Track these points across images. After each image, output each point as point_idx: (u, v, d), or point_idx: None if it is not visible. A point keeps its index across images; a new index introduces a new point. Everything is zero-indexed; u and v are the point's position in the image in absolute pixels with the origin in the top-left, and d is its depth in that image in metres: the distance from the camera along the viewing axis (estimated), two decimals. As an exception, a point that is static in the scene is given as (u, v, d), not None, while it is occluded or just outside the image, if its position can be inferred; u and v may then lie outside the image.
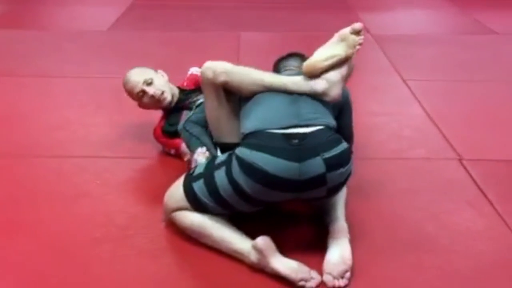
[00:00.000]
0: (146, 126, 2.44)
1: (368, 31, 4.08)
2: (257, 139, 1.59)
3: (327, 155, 1.54)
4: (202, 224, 1.63)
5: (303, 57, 1.89)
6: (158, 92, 2.13)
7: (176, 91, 2.24)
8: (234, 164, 1.56)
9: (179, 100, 2.22)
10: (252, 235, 1.59)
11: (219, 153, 1.82)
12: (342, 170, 1.57)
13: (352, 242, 1.64)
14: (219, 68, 1.72)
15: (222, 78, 1.72)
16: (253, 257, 1.54)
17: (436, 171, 2.17)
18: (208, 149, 1.82)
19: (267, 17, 4.46)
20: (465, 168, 2.17)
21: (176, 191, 1.69)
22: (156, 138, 2.23)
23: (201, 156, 1.80)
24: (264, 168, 1.51)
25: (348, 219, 1.73)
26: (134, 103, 2.27)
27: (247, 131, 1.65)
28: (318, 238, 1.66)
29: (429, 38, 3.96)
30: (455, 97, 2.90)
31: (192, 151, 1.86)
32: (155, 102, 2.16)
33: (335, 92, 1.72)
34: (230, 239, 1.60)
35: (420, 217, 1.85)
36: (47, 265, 1.59)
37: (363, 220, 1.81)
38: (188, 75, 2.37)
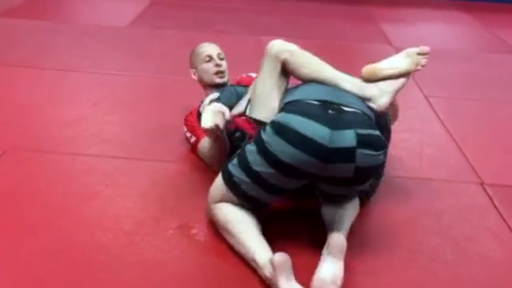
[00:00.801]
0: (160, 128, 2.40)
1: (390, 43, 4.02)
2: (294, 106, 1.63)
3: (361, 131, 1.55)
4: (233, 221, 1.63)
5: None
6: (224, 68, 2.24)
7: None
8: (267, 130, 1.58)
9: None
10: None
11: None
12: (372, 152, 1.56)
13: (355, 262, 1.59)
14: (288, 46, 1.79)
15: (285, 56, 1.75)
16: (267, 271, 1.49)
17: (456, 194, 2.09)
18: (219, 97, 1.92)
19: (289, 23, 4.40)
20: (486, 193, 2.09)
21: (218, 179, 1.70)
22: (187, 120, 2.19)
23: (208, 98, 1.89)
24: (297, 128, 1.53)
25: (355, 236, 1.68)
26: (151, 105, 2.22)
27: (286, 101, 1.68)
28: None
29: (452, 54, 3.88)
30: (478, 117, 2.82)
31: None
32: (215, 77, 2.22)
33: (383, 101, 1.73)
34: (252, 245, 1.56)
35: (440, 242, 1.78)
36: (49, 267, 1.54)
37: (373, 240, 1.75)
38: (243, 76, 2.33)
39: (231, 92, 2.02)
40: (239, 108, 1.93)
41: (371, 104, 1.73)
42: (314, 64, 1.79)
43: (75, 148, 2.22)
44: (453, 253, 1.73)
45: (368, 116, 1.66)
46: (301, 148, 1.53)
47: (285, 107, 1.66)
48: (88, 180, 1.99)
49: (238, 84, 2.26)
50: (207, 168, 2.05)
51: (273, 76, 1.77)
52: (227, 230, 1.64)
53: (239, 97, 1.97)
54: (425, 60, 1.76)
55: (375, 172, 1.65)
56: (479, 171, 2.24)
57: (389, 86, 1.75)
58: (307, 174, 1.59)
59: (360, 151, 1.54)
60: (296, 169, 1.56)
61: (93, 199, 1.87)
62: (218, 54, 2.26)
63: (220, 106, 1.83)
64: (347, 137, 1.53)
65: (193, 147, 2.13)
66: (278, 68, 1.77)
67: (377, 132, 1.61)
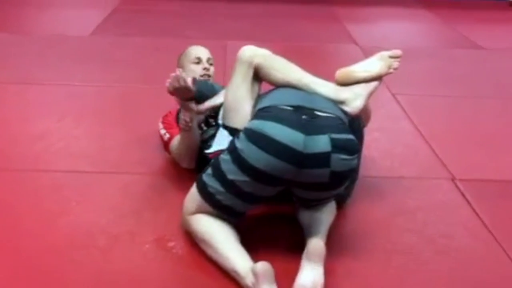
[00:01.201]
0: (129, 139, 2.35)
1: (355, 42, 4.06)
2: (266, 112, 1.62)
3: (335, 136, 1.54)
4: (210, 232, 1.60)
5: None
6: (210, 73, 2.22)
7: None
8: (241, 137, 1.57)
9: None
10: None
11: (223, 134, 1.79)
12: (347, 156, 1.56)
13: (335, 265, 1.59)
14: (259, 51, 1.79)
15: (258, 61, 1.76)
16: (248, 280, 1.47)
17: (429, 191, 2.12)
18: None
19: (254, 26, 4.40)
20: (458, 188, 2.12)
21: (193, 189, 1.67)
22: (165, 117, 2.16)
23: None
24: (270, 134, 1.52)
25: (335, 239, 1.68)
26: (118, 116, 2.17)
27: (259, 108, 1.67)
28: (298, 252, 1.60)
29: (417, 51, 3.93)
30: (445, 113, 2.87)
31: None
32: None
33: (356, 104, 1.73)
34: (232, 256, 1.54)
35: (416, 240, 1.79)
36: (22, 290, 1.49)
37: (352, 242, 1.75)
38: None
39: (209, 84, 2.04)
40: (212, 102, 1.93)
41: (345, 108, 1.73)
42: (287, 68, 1.79)
43: (41, 165, 2.15)
44: (429, 250, 1.75)
45: (341, 120, 1.67)
46: (275, 155, 1.51)
47: (258, 114, 1.65)
48: (58, 197, 1.93)
49: None
50: (180, 179, 2.02)
51: (246, 82, 1.77)
52: (204, 242, 1.61)
53: (214, 93, 1.98)
54: (397, 63, 1.78)
55: (350, 175, 1.65)
56: (450, 166, 2.27)
57: (363, 89, 1.76)
58: (282, 181, 1.58)
59: (335, 156, 1.53)
60: (270, 176, 1.55)
61: (64, 216, 1.81)
62: (208, 59, 2.27)
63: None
64: (321, 142, 1.53)
65: (166, 144, 2.10)
66: (251, 73, 1.77)
67: (351, 136, 1.61)
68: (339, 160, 1.54)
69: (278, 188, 1.63)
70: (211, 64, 2.27)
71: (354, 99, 1.73)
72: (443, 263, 1.69)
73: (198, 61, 2.24)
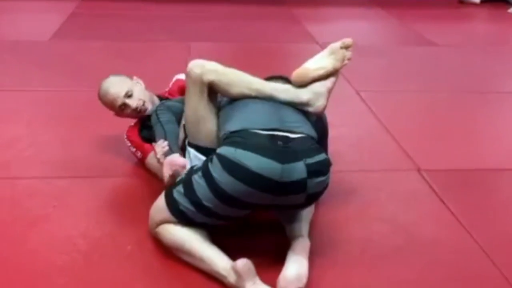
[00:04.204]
0: (99, 143, 2.34)
1: (316, 42, 4.15)
2: (241, 138, 1.57)
3: (310, 161, 1.55)
4: (182, 239, 1.59)
5: (287, 80, 1.86)
6: (140, 103, 2.05)
7: (155, 99, 2.15)
8: (215, 163, 1.53)
9: None
10: (227, 250, 1.55)
11: (190, 154, 1.75)
12: (322, 178, 1.58)
13: (317, 257, 1.64)
14: (208, 66, 1.71)
15: (210, 77, 1.70)
16: (231, 278, 1.50)
17: (397, 182, 2.21)
18: (168, 144, 1.75)
19: (216, 27, 4.42)
20: (424, 178, 2.22)
21: (160, 202, 1.64)
22: (129, 136, 2.13)
23: (159, 148, 1.74)
24: (247, 165, 1.49)
25: (313, 233, 1.73)
26: (84, 121, 2.15)
27: (231, 130, 1.62)
28: (282, 250, 1.64)
29: (375, 49, 4.06)
30: (407, 108, 2.98)
31: (155, 140, 1.81)
32: (135, 113, 2.07)
33: (319, 103, 1.74)
34: (209, 258, 1.55)
35: (389, 229, 1.87)
36: (6, 299, 1.47)
37: (328, 235, 1.81)
38: (173, 81, 2.26)
39: (181, 99, 1.92)
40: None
41: (309, 109, 1.74)
42: (243, 81, 1.74)
43: (13, 172, 2.12)
44: (402, 238, 1.83)
45: (313, 138, 1.67)
46: (252, 185, 1.50)
47: (232, 138, 1.59)
48: (33, 204, 1.91)
49: (171, 94, 2.24)
50: (153, 179, 2.03)
51: (202, 101, 1.72)
52: (178, 250, 1.61)
53: (180, 115, 1.91)
54: (350, 53, 1.77)
55: (324, 191, 1.65)
56: (415, 158, 2.37)
57: (322, 87, 1.76)
58: (258, 205, 1.60)
59: (311, 181, 1.54)
60: (247, 203, 1.56)
61: (41, 223, 1.80)
62: (126, 93, 2.04)
63: (176, 160, 1.70)
64: (298, 170, 1.52)
65: (141, 160, 2.10)
66: (205, 90, 1.72)
67: (323, 156, 1.61)
68: (315, 183, 1.56)
69: (253, 210, 1.64)
70: (129, 96, 2.04)
71: (316, 99, 1.74)
72: (415, 250, 1.77)
73: (121, 103, 2.05)
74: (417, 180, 2.22)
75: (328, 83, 1.76)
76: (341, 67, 1.77)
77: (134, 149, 2.12)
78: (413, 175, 2.25)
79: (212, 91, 1.74)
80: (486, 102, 3.11)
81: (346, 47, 1.76)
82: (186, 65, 3.16)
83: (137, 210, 1.87)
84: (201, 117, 1.74)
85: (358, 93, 3.12)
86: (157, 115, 1.89)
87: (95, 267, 1.60)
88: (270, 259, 1.63)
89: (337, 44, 1.77)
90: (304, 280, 1.52)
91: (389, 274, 1.65)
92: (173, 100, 2.06)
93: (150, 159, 2.03)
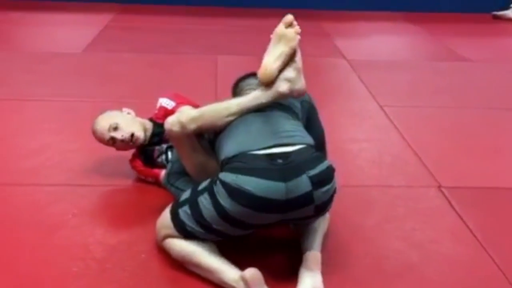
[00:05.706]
0: (124, 154, 2.38)
1: (344, 57, 4.15)
2: (240, 162, 1.57)
3: (312, 172, 1.54)
4: (190, 252, 1.61)
5: None
6: (127, 135, 2.05)
7: (149, 125, 2.17)
8: (219, 190, 1.54)
9: (155, 134, 2.15)
10: (238, 263, 1.57)
11: None
12: (328, 187, 1.57)
13: (332, 273, 1.63)
14: (184, 119, 1.69)
15: (191, 127, 1.69)
16: None
17: (416, 199, 2.18)
18: None
19: (244, 40, 4.47)
20: (444, 195, 2.19)
21: (166, 218, 1.67)
22: (134, 166, 2.18)
23: None
24: (251, 191, 1.49)
25: (328, 248, 1.72)
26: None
27: (229, 155, 1.62)
28: (295, 265, 1.64)
29: (404, 64, 4.03)
30: (432, 124, 2.94)
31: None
32: (128, 144, 2.09)
33: (298, 87, 1.73)
34: (218, 268, 1.57)
35: (405, 246, 1.85)
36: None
37: (345, 250, 1.80)
38: (157, 107, 2.24)
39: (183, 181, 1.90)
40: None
41: (293, 96, 1.73)
42: (220, 112, 1.72)
43: (38, 179, 2.19)
44: (418, 255, 1.80)
45: (311, 146, 1.66)
46: (259, 209, 1.52)
47: (231, 164, 1.59)
48: (54, 210, 1.96)
49: (158, 118, 2.16)
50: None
51: (195, 147, 1.75)
52: (187, 262, 1.63)
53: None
54: (296, 27, 1.72)
55: (332, 198, 1.64)
56: (436, 175, 2.34)
57: (292, 72, 1.72)
58: (267, 224, 1.62)
59: (317, 192, 1.54)
60: (256, 224, 1.59)
61: (60, 229, 1.85)
62: (110, 127, 2.05)
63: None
64: (302, 184, 1.52)
65: (156, 182, 2.13)
66: (193, 140, 1.74)
67: (325, 164, 1.60)
68: (322, 193, 1.56)
69: (266, 228, 1.66)
70: (115, 129, 2.05)
71: (294, 84, 1.71)
72: (431, 267, 1.75)
73: (108, 138, 2.07)
74: (437, 196, 2.18)
75: (295, 65, 1.73)
76: (296, 44, 1.73)
77: (143, 177, 2.16)
78: (433, 192, 2.22)
79: (200, 134, 1.76)
80: (514, 119, 3.05)
81: (290, 24, 1.74)
82: (213, 77, 3.21)
83: (152, 220, 1.88)
84: (202, 162, 1.77)
85: (382, 108, 3.09)
86: (172, 185, 1.90)
87: (109, 274, 1.64)
88: (281, 272, 1.64)
89: (280, 28, 1.73)
90: None
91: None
92: (174, 162, 1.94)
93: (163, 179, 2.02)
